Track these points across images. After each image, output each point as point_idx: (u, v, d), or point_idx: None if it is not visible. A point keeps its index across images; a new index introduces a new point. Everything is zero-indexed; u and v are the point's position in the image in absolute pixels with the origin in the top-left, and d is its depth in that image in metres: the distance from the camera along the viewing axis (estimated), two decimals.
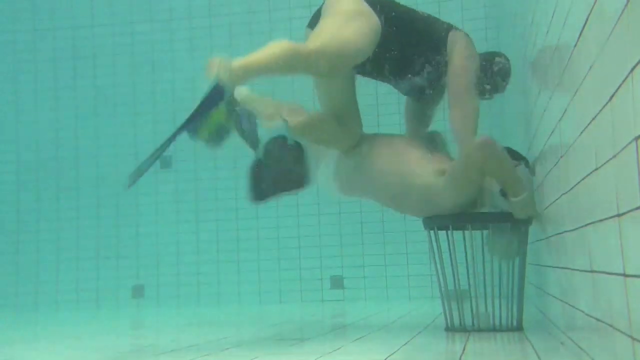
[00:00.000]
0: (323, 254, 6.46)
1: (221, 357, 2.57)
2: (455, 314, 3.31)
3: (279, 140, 3.33)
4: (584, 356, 2.03)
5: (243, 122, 3.06)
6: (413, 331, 3.30)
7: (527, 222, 3.24)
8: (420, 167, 3.21)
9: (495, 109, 5.98)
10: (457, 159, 3.18)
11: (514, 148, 3.34)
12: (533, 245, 3.47)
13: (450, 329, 3.29)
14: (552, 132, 2.43)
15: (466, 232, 3.32)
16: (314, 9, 3.79)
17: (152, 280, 6.69)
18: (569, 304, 2.26)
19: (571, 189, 2.05)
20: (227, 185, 6.68)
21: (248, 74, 2.97)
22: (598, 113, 1.58)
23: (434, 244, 3.37)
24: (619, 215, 1.43)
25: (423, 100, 3.62)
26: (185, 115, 3.08)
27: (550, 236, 2.74)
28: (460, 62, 3.25)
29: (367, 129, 3.89)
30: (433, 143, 3.48)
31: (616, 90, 1.38)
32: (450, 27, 3.38)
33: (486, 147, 2.99)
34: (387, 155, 3.34)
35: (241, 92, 3.22)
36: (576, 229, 2.00)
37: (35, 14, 7.17)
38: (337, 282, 6.40)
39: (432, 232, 3.38)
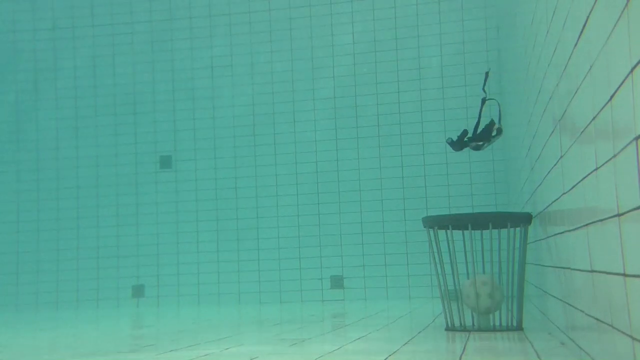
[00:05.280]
0: (323, 254, 6.46)
1: (221, 357, 2.57)
2: (456, 313, 3.31)
3: None
4: (584, 356, 2.03)
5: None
6: (413, 331, 3.29)
7: (527, 221, 3.24)
8: None
9: (496, 110, 5.99)
10: None
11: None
12: (533, 245, 3.47)
13: (450, 328, 3.29)
14: (552, 132, 2.43)
15: (466, 232, 3.32)
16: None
17: (152, 280, 6.69)
18: (569, 304, 2.26)
19: (571, 188, 2.05)
20: (227, 185, 6.68)
21: None
22: (598, 113, 1.58)
23: (434, 243, 3.37)
24: (619, 215, 1.43)
25: None
26: None
27: (550, 236, 2.74)
28: None
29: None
30: None
31: (616, 91, 1.38)
32: None
33: None
34: None
35: None
36: (576, 228, 2.00)
37: (35, 14, 7.17)
38: (337, 282, 6.40)
39: (432, 231, 3.39)
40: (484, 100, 3.61)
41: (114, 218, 6.83)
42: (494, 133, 3.52)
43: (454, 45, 6.47)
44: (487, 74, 3.60)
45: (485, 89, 3.66)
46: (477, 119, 3.60)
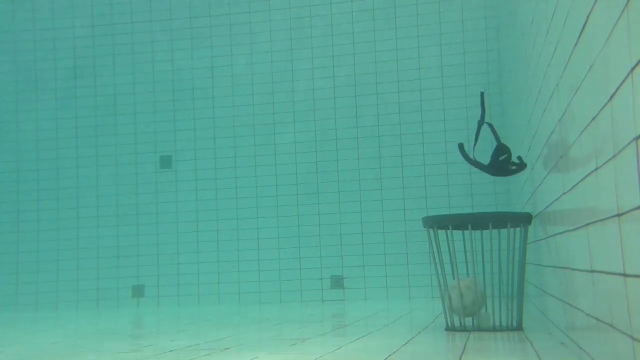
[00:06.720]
0: (323, 254, 6.46)
1: (221, 357, 2.57)
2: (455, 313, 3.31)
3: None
4: (584, 356, 2.03)
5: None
6: (413, 331, 3.29)
7: (527, 221, 3.24)
8: None
9: (496, 110, 5.99)
10: None
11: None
12: (533, 245, 3.47)
13: (450, 328, 3.29)
14: (552, 132, 2.43)
15: (466, 232, 3.32)
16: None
17: (152, 280, 6.69)
18: (569, 304, 2.26)
19: (571, 188, 2.05)
20: (227, 185, 6.68)
21: None
22: (598, 113, 1.58)
23: (434, 243, 3.37)
24: (619, 215, 1.43)
25: None
26: None
27: (550, 236, 2.74)
28: None
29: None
30: None
31: (616, 91, 1.38)
32: None
33: None
34: None
35: None
36: (576, 228, 2.00)
37: (35, 14, 7.17)
38: (337, 282, 6.40)
39: (432, 231, 3.39)
40: (479, 125, 3.55)
41: (114, 218, 6.82)
42: (512, 163, 3.48)
43: (454, 45, 6.47)
44: (482, 94, 3.57)
45: (479, 109, 3.63)
46: (474, 141, 3.58)
